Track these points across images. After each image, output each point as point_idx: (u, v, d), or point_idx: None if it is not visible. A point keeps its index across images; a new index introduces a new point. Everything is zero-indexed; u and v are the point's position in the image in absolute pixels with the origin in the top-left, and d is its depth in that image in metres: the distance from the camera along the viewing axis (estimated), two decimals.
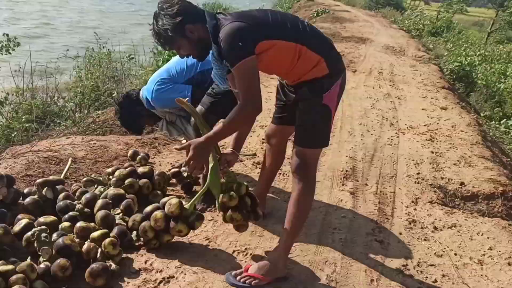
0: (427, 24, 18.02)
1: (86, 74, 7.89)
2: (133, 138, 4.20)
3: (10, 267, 1.93)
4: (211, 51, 2.18)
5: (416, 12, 23.40)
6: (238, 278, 2.15)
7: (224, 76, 2.24)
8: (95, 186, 2.87)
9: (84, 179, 2.95)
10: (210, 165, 2.22)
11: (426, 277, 2.43)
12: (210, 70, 2.89)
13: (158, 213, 2.30)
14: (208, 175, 2.24)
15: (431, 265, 2.55)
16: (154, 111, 3.28)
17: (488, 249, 2.77)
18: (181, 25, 2.05)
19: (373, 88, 6.86)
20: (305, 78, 2.16)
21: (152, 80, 3.19)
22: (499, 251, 2.74)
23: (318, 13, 20.84)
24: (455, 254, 2.70)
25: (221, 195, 2.26)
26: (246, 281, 2.13)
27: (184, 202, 2.34)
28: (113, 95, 7.23)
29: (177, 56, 3.05)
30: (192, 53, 2.17)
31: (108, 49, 9.35)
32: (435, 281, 2.41)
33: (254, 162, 3.74)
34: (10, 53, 5.86)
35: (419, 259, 2.60)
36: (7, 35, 5.90)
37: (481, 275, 2.52)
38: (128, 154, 3.68)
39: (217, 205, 2.31)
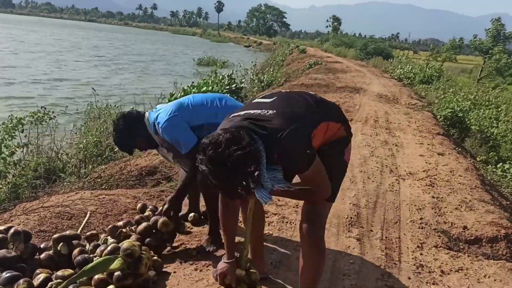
0: (417, 72, 18.59)
1: (89, 129, 8.06)
2: (140, 191, 4.30)
3: None
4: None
5: (403, 59, 24.14)
6: None
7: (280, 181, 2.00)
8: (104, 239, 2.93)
9: (88, 233, 2.98)
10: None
11: None
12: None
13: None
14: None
15: None
16: (153, 136, 3.13)
17: None
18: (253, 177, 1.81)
19: (371, 136, 7.04)
20: (328, 141, 2.20)
21: (170, 110, 3.02)
22: None
23: (311, 65, 21.49)
24: None
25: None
26: None
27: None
28: (115, 150, 7.38)
29: (199, 97, 3.15)
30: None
31: (108, 105, 9.65)
32: None
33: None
34: (42, 124, 6.08)
35: None
36: (45, 108, 6.12)
37: None
38: (137, 207, 3.74)
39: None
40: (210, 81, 11.30)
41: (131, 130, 3.08)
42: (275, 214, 3.77)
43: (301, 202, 2.30)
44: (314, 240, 2.15)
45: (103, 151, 7.15)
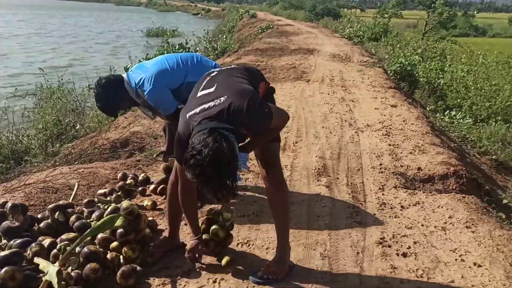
0: (366, 30, 19.07)
1: (45, 109, 7.98)
2: (117, 162, 4.47)
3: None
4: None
5: (352, 18, 24.63)
6: (263, 275, 2.43)
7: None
8: (98, 204, 3.14)
9: (85, 200, 3.23)
10: None
11: (401, 245, 2.87)
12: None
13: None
14: None
15: (404, 236, 3.00)
16: (134, 98, 3.32)
17: (449, 218, 3.25)
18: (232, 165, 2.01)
19: (328, 94, 7.40)
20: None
21: (151, 77, 3.18)
22: (458, 218, 3.23)
23: (263, 29, 21.56)
24: (422, 225, 3.16)
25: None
26: (270, 277, 2.42)
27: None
28: (77, 128, 7.40)
29: (174, 58, 3.34)
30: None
31: (59, 82, 9.53)
32: (409, 247, 2.85)
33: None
34: None
35: (393, 232, 3.04)
36: None
37: (446, 238, 2.98)
38: (118, 177, 3.94)
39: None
40: (164, 52, 11.28)
41: (113, 97, 3.29)
42: (251, 172, 4.05)
43: None
44: (273, 180, 2.42)
45: (64, 130, 7.16)
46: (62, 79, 9.57)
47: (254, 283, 2.42)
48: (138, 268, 2.42)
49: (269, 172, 2.42)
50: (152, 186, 3.73)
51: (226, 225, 2.65)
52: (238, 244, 2.80)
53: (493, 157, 5.97)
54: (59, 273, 2.05)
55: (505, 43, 26.50)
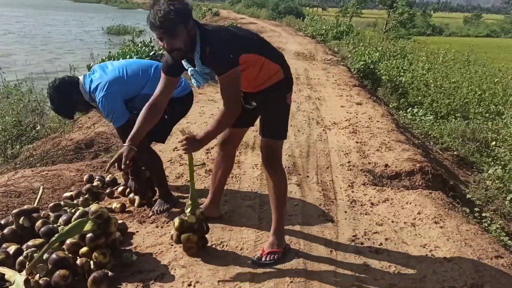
0: (329, 29, 19.32)
1: (2, 109, 7.66)
2: (82, 164, 4.33)
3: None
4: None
5: (314, 17, 24.90)
6: (262, 259, 2.60)
7: (209, 75, 2.43)
8: (65, 208, 3.03)
9: (51, 204, 3.11)
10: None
11: (373, 242, 2.91)
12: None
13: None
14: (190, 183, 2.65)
15: (375, 233, 3.03)
16: (89, 102, 3.22)
17: (417, 214, 3.32)
18: (188, 15, 2.26)
19: (295, 92, 7.41)
20: (266, 84, 2.57)
21: (106, 84, 3.07)
22: (426, 214, 3.30)
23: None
24: (392, 222, 3.22)
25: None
26: (270, 258, 2.60)
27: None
28: (37, 128, 7.13)
29: (134, 66, 3.23)
30: (183, 47, 2.30)
31: (16, 84, 9.15)
32: (381, 244, 2.89)
33: (206, 170, 4.05)
34: None
35: (365, 229, 3.07)
36: None
37: (415, 234, 3.04)
38: (84, 179, 3.81)
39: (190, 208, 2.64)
40: (127, 50, 11.06)
41: (68, 99, 3.15)
42: None
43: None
44: (270, 169, 2.65)
45: (24, 131, 6.90)
46: (19, 81, 9.22)
47: (258, 266, 2.57)
48: (110, 273, 2.35)
49: (265, 162, 2.66)
50: (120, 188, 3.63)
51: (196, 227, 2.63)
52: (212, 245, 2.76)
53: (455, 152, 6.14)
54: (26, 282, 1.96)
55: (461, 42, 27.38)
